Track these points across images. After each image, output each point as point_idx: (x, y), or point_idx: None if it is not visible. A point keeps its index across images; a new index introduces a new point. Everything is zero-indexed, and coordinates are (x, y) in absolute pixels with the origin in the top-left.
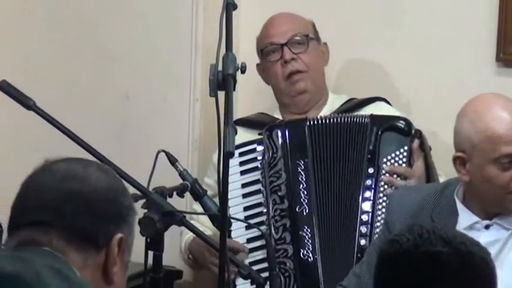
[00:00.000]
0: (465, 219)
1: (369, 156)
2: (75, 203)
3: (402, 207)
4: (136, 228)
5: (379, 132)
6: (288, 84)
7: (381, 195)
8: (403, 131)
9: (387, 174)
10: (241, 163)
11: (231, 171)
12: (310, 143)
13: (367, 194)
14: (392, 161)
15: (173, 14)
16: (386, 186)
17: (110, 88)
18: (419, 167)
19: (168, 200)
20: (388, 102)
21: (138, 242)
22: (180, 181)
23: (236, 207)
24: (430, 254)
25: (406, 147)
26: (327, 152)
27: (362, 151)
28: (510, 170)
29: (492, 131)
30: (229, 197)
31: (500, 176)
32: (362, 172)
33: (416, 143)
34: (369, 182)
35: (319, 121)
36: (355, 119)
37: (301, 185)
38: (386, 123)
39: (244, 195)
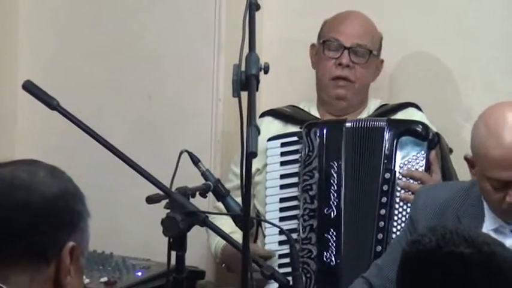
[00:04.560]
0: (491, 222)
1: (386, 160)
2: (22, 216)
3: (428, 204)
4: (159, 228)
5: (396, 136)
6: (330, 85)
7: (397, 200)
8: (420, 135)
9: (404, 179)
10: (282, 153)
11: (272, 160)
12: (345, 146)
13: (384, 199)
14: (409, 165)
15: (196, 14)
16: (403, 192)
17: (132, 88)
18: (438, 174)
19: (191, 200)
20: (419, 108)
21: (161, 242)
22: (203, 181)
23: (273, 197)
24: (453, 254)
25: (423, 152)
26: (359, 156)
27: (380, 156)
28: (501, 191)
29: (488, 152)
30: (267, 185)
31: (493, 193)
32: (379, 177)
33: (433, 153)
34: (385, 187)
35: (359, 124)
36: (375, 123)
37: (332, 187)
38: (403, 127)
39: (282, 187)
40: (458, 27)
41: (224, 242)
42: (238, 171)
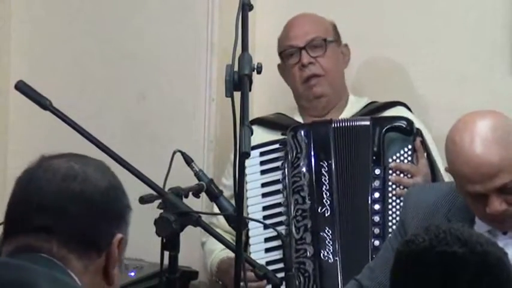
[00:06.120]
0: (481, 224)
1: (374, 157)
2: (78, 206)
3: (418, 207)
4: (152, 229)
5: (382, 133)
6: (305, 88)
7: (390, 195)
8: (405, 130)
9: (394, 174)
10: (262, 163)
11: (251, 170)
12: (334, 145)
13: (377, 195)
14: (398, 160)
15: (189, 14)
16: (394, 186)
17: (126, 88)
18: (424, 165)
19: (184, 200)
20: (408, 108)
21: (154, 243)
22: (196, 181)
23: (255, 206)
24: (446, 254)
25: (409, 146)
26: (349, 154)
27: (368, 153)
28: (481, 202)
29: (458, 170)
30: (248, 195)
31: (474, 204)
32: (370, 174)
33: (418, 141)
34: (377, 183)
35: (344, 123)
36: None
37: (323, 186)
38: (388, 123)
39: (264, 195)
40: (458, 27)
41: (218, 258)
42: (228, 183)
